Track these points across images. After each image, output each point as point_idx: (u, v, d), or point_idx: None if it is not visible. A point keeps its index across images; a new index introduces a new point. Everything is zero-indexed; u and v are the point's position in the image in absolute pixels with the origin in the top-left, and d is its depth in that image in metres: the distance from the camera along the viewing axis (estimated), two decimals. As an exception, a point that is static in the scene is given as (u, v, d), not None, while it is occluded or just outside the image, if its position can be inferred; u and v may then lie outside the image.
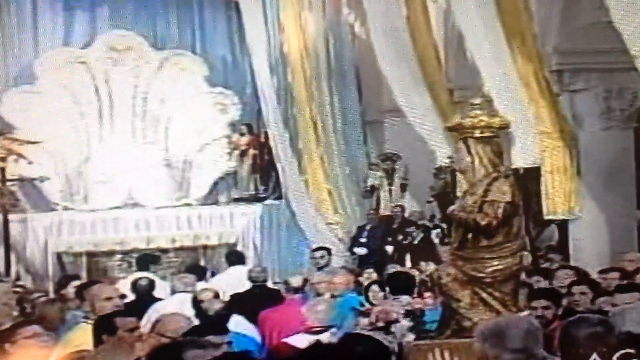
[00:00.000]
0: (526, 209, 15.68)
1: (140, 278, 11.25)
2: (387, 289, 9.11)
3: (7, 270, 16.29)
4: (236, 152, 18.54)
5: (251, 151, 18.44)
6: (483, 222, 7.42)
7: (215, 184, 18.73)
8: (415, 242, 15.97)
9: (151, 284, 11.01)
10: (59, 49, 18.36)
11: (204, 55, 18.84)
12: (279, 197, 18.26)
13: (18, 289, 11.54)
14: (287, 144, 17.94)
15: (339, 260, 16.21)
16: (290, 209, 17.89)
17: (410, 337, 7.64)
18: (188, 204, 18.33)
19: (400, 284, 9.00)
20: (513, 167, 14.73)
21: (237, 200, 18.62)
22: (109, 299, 7.33)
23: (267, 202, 18.35)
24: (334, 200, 17.86)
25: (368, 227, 17.01)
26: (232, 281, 12.02)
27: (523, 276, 9.86)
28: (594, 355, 4.61)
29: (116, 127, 18.49)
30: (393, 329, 7.61)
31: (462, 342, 6.56)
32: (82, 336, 6.81)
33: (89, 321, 7.01)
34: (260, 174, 18.53)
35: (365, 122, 18.57)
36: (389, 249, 16.24)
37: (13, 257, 16.82)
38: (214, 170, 18.63)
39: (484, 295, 7.51)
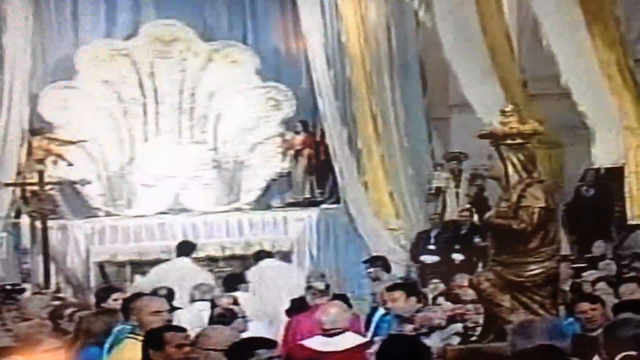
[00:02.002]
0: (608, 213, 15.48)
1: (160, 287, 11.67)
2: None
3: (46, 281, 16.30)
4: (290, 152, 18.44)
5: (306, 151, 18.32)
6: (518, 228, 8.15)
7: (268, 186, 18.64)
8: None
9: (170, 293, 11.29)
10: (100, 40, 18.39)
11: (256, 46, 18.76)
12: (337, 201, 18.09)
13: (56, 302, 11.48)
14: (345, 143, 17.79)
15: (400, 269, 16.00)
16: (348, 213, 17.69)
17: (455, 340, 8.42)
18: (239, 209, 18.25)
19: None
20: (594, 167, 14.51)
21: (291, 204, 18.50)
22: (157, 312, 7.24)
23: (324, 206, 18.20)
24: (396, 204, 17.65)
25: (434, 233, 16.74)
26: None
27: (605, 286, 9.74)
28: (596, 357, 5.12)
29: (162, 126, 18.49)
30: (438, 332, 8.44)
31: (504, 346, 6.94)
32: (130, 352, 6.80)
33: (137, 336, 6.97)
34: (316, 176, 18.40)
35: (429, 119, 18.34)
36: (457, 257, 15.95)
37: (52, 267, 16.81)
38: (266, 171, 18.53)
39: (524, 299, 8.18)
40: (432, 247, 16.57)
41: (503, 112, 8.57)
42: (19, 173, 17.40)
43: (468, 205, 17.00)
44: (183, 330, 6.55)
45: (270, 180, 18.61)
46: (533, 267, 8.19)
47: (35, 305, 9.97)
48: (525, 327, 5.26)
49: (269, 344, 6.01)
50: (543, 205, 8.20)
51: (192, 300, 11.56)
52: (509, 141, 8.34)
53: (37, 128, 17.82)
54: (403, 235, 17.45)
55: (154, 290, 11.48)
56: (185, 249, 15.09)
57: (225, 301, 10.07)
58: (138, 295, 9.00)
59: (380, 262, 14.24)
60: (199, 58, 18.50)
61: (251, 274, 13.91)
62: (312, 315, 9.13)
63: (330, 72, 17.93)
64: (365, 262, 14.88)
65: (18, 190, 17.35)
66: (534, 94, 15.71)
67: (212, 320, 9.37)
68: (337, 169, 17.86)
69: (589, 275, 11.88)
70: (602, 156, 13.74)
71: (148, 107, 18.47)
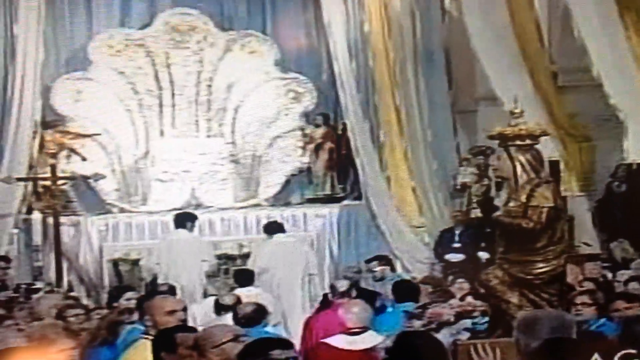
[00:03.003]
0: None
1: (162, 283, 12.38)
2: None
3: (58, 280, 16.30)
4: (310, 146, 18.40)
5: (327, 145, 18.28)
6: (527, 227, 8.72)
7: (287, 182, 18.60)
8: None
9: (172, 289, 11.84)
10: (114, 30, 18.36)
11: (276, 36, 18.71)
12: (358, 197, 18.05)
13: (68, 301, 11.49)
14: (367, 137, 17.74)
15: (424, 268, 15.95)
16: (370, 209, 17.62)
17: (464, 335, 8.99)
18: (257, 205, 18.20)
19: (404, 292, 10.50)
20: (626, 161, 14.41)
21: (311, 200, 18.47)
22: (172, 312, 7.23)
23: (345, 202, 18.16)
24: (419, 200, 17.62)
25: (458, 231, 16.67)
26: None
27: (637, 285, 9.75)
28: (596, 355, 5.20)
29: (178, 118, 18.48)
30: (447, 328, 8.99)
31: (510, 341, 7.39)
32: (142, 353, 6.80)
33: (149, 337, 6.99)
34: (337, 171, 18.36)
35: (455, 111, 18.28)
36: (483, 255, 15.88)
37: (65, 265, 16.78)
38: (285, 166, 18.51)
39: (532, 296, 8.77)
40: (456, 245, 16.50)
41: (512, 113, 9.15)
42: (30, 167, 17.39)
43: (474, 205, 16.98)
44: (194, 330, 6.56)
45: (289, 175, 18.57)
46: (540, 265, 8.79)
47: (46, 305, 9.99)
48: (529, 323, 5.44)
49: (285, 344, 6.02)
50: (552, 204, 8.76)
51: (205, 295, 11.74)
52: (518, 142, 8.90)
53: (50, 121, 17.81)
54: (427, 233, 17.39)
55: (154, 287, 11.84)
56: (184, 220, 15.63)
57: (227, 299, 10.65)
58: (151, 295, 9.02)
59: (384, 262, 14.35)
60: (216, 48, 18.45)
61: (264, 253, 14.23)
62: (333, 313, 9.50)
63: (352, 63, 17.88)
64: (367, 261, 14.95)
65: (30, 185, 17.33)
66: (564, 85, 15.63)
67: (238, 321, 9.53)
68: (358, 164, 17.80)
69: (621, 274, 11.81)
70: (635, 151, 13.67)
71: (164, 99, 18.44)
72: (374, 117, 17.89)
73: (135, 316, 9.21)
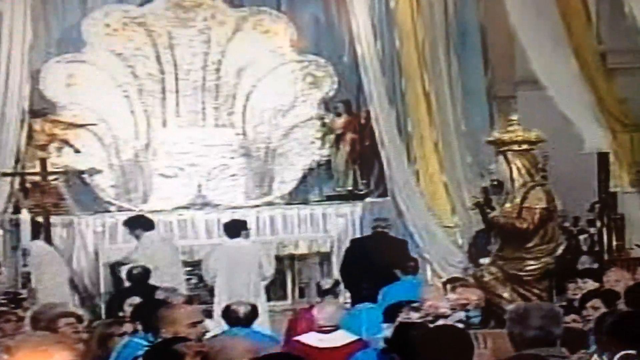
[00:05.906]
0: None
1: (134, 267, 13.64)
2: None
3: (49, 287, 16.35)
4: (330, 137, 18.47)
5: (349, 135, 18.34)
6: (521, 227, 10.35)
7: (305, 177, 18.71)
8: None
9: (146, 272, 13.25)
10: (112, 7, 18.41)
11: (292, 14, 18.77)
12: (383, 194, 18.09)
13: (58, 310, 11.49)
14: (394, 126, 17.75)
15: (456, 272, 15.93)
16: (397, 208, 17.65)
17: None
18: (271, 203, 18.28)
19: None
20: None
21: (331, 197, 18.53)
22: (195, 323, 7.28)
23: (369, 199, 18.25)
24: (452, 197, 17.63)
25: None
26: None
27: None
28: (594, 357, 5.89)
29: (182, 106, 18.59)
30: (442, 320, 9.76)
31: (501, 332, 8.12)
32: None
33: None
34: (360, 164, 18.43)
35: (491, 97, 18.32)
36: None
37: (56, 270, 16.86)
38: (302, 160, 18.61)
39: (523, 291, 10.37)
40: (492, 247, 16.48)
41: (509, 120, 10.82)
42: (17, 161, 17.42)
43: (473, 207, 17.01)
44: (187, 339, 6.56)
45: (307, 169, 18.67)
46: (532, 262, 10.46)
47: (36, 315, 9.98)
48: (521, 314, 6.10)
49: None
50: (544, 206, 10.38)
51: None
52: (514, 147, 10.53)
53: (39, 109, 17.86)
54: (460, 234, 17.39)
55: (128, 270, 13.50)
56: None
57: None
58: (160, 304, 8.98)
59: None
60: (225, 27, 18.52)
61: None
62: (311, 312, 10.44)
63: (377, 44, 17.89)
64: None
65: (17, 181, 17.36)
66: (614, 68, 15.59)
67: (229, 320, 10.09)
68: (384, 157, 17.81)
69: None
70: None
71: (167, 84, 18.50)
72: (400, 105, 17.91)
73: (131, 327, 9.17)
